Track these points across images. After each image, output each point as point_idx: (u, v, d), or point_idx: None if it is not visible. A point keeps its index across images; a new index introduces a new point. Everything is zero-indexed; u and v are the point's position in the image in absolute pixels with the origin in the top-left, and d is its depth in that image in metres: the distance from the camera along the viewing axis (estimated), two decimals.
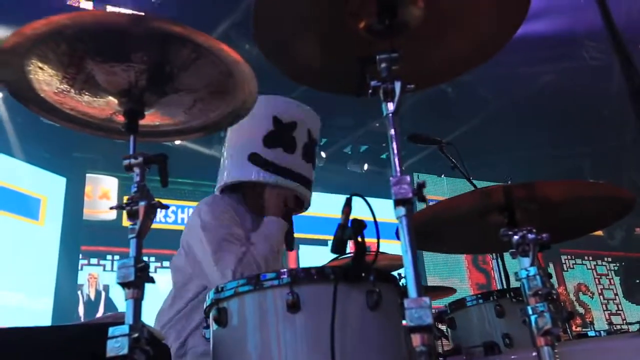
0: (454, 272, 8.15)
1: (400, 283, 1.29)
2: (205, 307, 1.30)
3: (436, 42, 1.26)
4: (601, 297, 9.25)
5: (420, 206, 1.37)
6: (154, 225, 1.08)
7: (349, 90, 1.31)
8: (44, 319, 5.94)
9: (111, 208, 1.09)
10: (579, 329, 7.79)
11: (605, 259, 9.69)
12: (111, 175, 7.02)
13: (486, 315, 1.78)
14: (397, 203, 1.02)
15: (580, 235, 1.73)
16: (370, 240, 1.24)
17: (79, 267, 6.51)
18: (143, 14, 1.06)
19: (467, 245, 2.07)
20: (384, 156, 8.28)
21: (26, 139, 6.22)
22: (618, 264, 9.73)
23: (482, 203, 1.52)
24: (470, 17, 1.20)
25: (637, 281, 9.50)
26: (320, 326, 1.13)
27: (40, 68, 1.07)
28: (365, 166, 8.03)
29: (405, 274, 0.99)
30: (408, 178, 1.02)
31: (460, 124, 7.11)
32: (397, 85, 1.08)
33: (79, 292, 6.40)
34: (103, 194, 6.96)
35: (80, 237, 6.64)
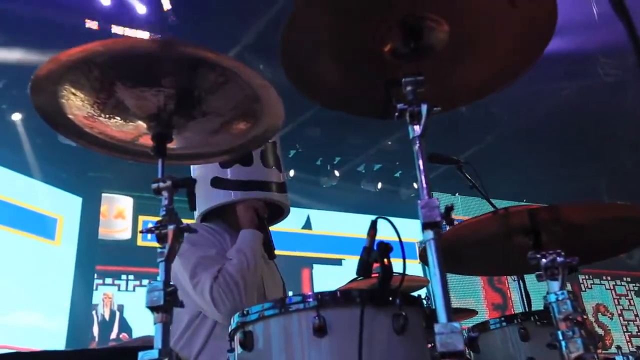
0: (469, 292, 8.05)
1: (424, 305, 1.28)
2: (230, 330, 1.30)
3: (460, 64, 1.27)
4: (621, 318, 9.06)
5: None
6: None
7: (373, 112, 1.32)
8: (59, 339, 5.94)
9: (141, 232, 1.10)
10: (599, 351, 7.63)
11: (625, 279, 9.52)
12: (126, 195, 7.07)
13: (510, 339, 1.75)
14: (426, 226, 1.01)
15: (605, 257, 1.72)
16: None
17: (94, 287, 6.53)
18: (171, 39, 1.08)
19: (487, 267, 2.06)
20: (397, 175, 8.27)
21: (44, 159, 6.31)
22: (638, 284, 9.54)
23: (506, 225, 1.51)
24: (494, 40, 1.21)
25: None
26: (347, 350, 1.11)
27: (73, 93, 1.10)
28: (379, 185, 8.02)
29: (435, 298, 0.98)
30: (436, 201, 1.02)
31: (474, 142, 7.10)
32: (424, 108, 1.08)
33: (94, 312, 6.41)
34: (118, 214, 7.01)
35: (95, 256, 6.68)
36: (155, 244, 1.11)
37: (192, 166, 2.13)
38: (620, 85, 6.38)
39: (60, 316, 6.12)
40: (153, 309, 1.01)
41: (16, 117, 6.04)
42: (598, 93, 6.52)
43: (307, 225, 7.88)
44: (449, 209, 1.03)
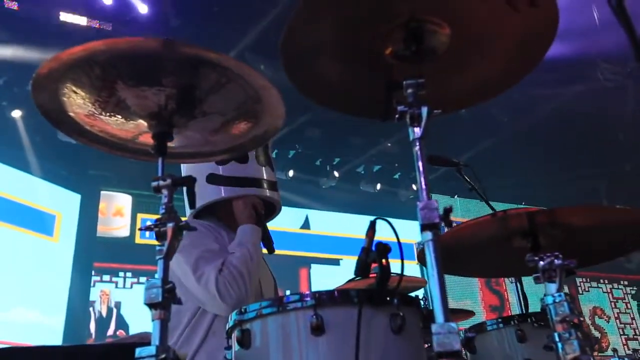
0: (467, 294, 8.06)
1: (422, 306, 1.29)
2: (227, 328, 1.30)
3: (462, 67, 1.27)
4: (617, 321, 9.07)
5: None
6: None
7: (373, 114, 1.33)
8: (56, 335, 5.95)
9: (140, 229, 1.10)
10: (595, 353, 7.64)
11: (622, 282, 9.53)
12: (125, 193, 7.08)
13: (507, 340, 1.76)
14: (424, 228, 1.02)
15: (602, 260, 1.72)
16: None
17: (92, 284, 6.53)
18: (174, 39, 1.09)
19: (485, 268, 2.06)
20: (396, 176, 8.29)
21: (43, 156, 6.32)
22: (635, 288, 9.56)
23: (504, 227, 1.52)
24: (495, 43, 1.21)
25: None
26: (345, 349, 1.12)
27: (74, 92, 1.10)
28: (378, 186, 8.03)
29: (432, 299, 0.99)
30: (435, 203, 1.02)
31: (473, 144, 7.11)
32: (424, 111, 1.09)
33: (91, 309, 6.41)
34: (117, 211, 7.01)
35: (93, 253, 6.68)
36: (154, 242, 1.11)
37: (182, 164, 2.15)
38: (620, 89, 6.40)
39: (57, 312, 6.13)
40: (151, 305, 1.02)
41: (16, 114, 6.04)
42: (598, 97, 6.54)
43: (306, 225, 7.89)
44: (448, 211, 1.04)
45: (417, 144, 1.09)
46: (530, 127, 7.05)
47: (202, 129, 1.27)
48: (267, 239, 2.05)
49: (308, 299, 1.18)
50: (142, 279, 6.61)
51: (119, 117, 1.20)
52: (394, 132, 7.09)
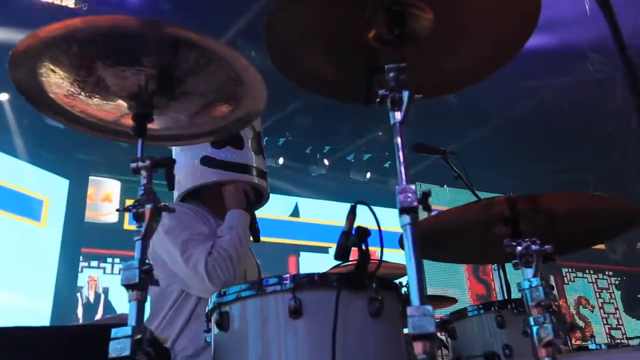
0: (454, 283, 8.13)
1: (403, 291, 1.29)
2: (207, 310, 1.31)
3: (445, 52, 1.27)
4: (601, 311, 9.21)
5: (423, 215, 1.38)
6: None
7: (357, 98, 1.32)
8: (43, 320, 5.93)
9: (117, 210, 1.10)
10: (578, 342, 7.75)
11: (607, 273, 9.66)
12: (114, 178, 7.04)
13: (487, 326, 1.78)
14: (402, 211, 1.02)
15: (584, 247, 1.74)
16: (373, 249, 1.25)
17: (79, 269, 6.51)
18: (154, 19, 1.07)
19: (469, 255, 2.07)
20: (386, 165, 8.30)
21: (31, 140, 6.26)
22: (619, 278, 9.69)
23: (487, 214, 1.53)
24: (478, 28, 1.21)
25: (638, 296, 9.46)
26: (322, 332, 1.13)
27: (52, 70, 1.09)
28: (368, 175, 8.05)
29: (409, 282, 0.99)
30: (413, 187, 1.02)
31: (463, 135, 7.13)
32: (405, 95, 1.09)
33: (78, 295, 6.40)
34: (105, 197, 6.98)
35: (81, 239, 6.65)
36: None
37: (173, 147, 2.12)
38: (609, 81, 6.42)
39: (44, 298, 6.11)
40: (128, 286, 1.01)
41: (3, 97, 5.97)
42: (587, 88, 6.57)
43: (295, 212, 7.89)
44: (426, 195, 1.04)
45: (398, 128, 1.09)
46: (519, 117, 7.07)
47: (183, 111, 1.26)
48: (253, 227, 2.05)
49: (287, 282, 1.18)
50: None
51: (99, 97, 1.19)
52: (384, 121, 7.07)
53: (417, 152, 2.59)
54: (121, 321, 1.09)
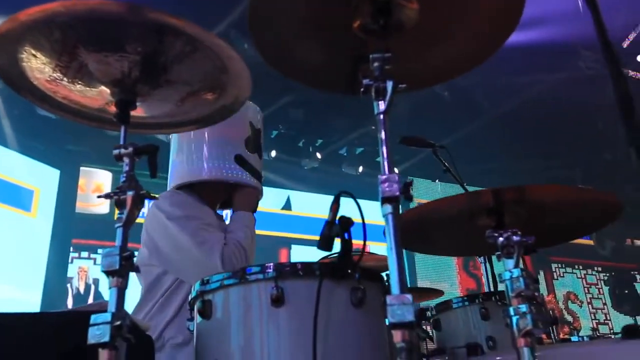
0: (444, 277, 8.18)
1: (386, 282, 1.30)
2: (190, 298, 1.31)
3: (431, 43, 1.27)
4: (590, 306, 9.29)
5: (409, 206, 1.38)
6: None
7: (343, 88, 1.32)
8: (33, 310, 5.91)
9: (99, 197, 1.09)
10: (566, 337, 7.83)
11: (595, 269, 9.74)
12: (105, 169, 7.00)
13: (471, 318, 1.80)
14: (384, 201, 1.02)
15: (568, 239, 1.75)
16: (360, 242, 1.25)
17: (69, 260, 6.49)
18: (136, 4, 1.07)
19: (455, 247, 2.08)
20: (379, 159, 8.28)
21: (21, 130, 6.21)
22: (608, 274, 9.78)
23: (472, 205, 1.53)
24: (465, 18, 1.21)
25: (626, 291, 9.55)
26: (304, 321, 1.13)
27: (34, 55, 1.08)
28: (360, 168, 8.05)
29: (389, 271, 1.00)
30: (396, 177, 1.03)
31: (454, 129, 7.14)
32: (389, 85, 1.09)
33: (69, 285, 6.38)
34: (96, 188, 6.94)
35: (71, 230, 6.62)
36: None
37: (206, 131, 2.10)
38: (601, 78, 6.44)
39: (34, 288, 6.09)
40: (109, 272, 1.01)
41: None
42: (579, 85, 6.59)
43: (287, 205, 7.89)
44: (408, 185, 1.04)
45: (381, 117, 1.09)
46: (510, 113, 7.09)
47: (167, 98, 1.25)
48: None
49: (269, 270, 1.19)
50: None
51: (82, 83, 1.18)
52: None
53: (406, 145, 2.59)
54: (101, 308, 1.09)
